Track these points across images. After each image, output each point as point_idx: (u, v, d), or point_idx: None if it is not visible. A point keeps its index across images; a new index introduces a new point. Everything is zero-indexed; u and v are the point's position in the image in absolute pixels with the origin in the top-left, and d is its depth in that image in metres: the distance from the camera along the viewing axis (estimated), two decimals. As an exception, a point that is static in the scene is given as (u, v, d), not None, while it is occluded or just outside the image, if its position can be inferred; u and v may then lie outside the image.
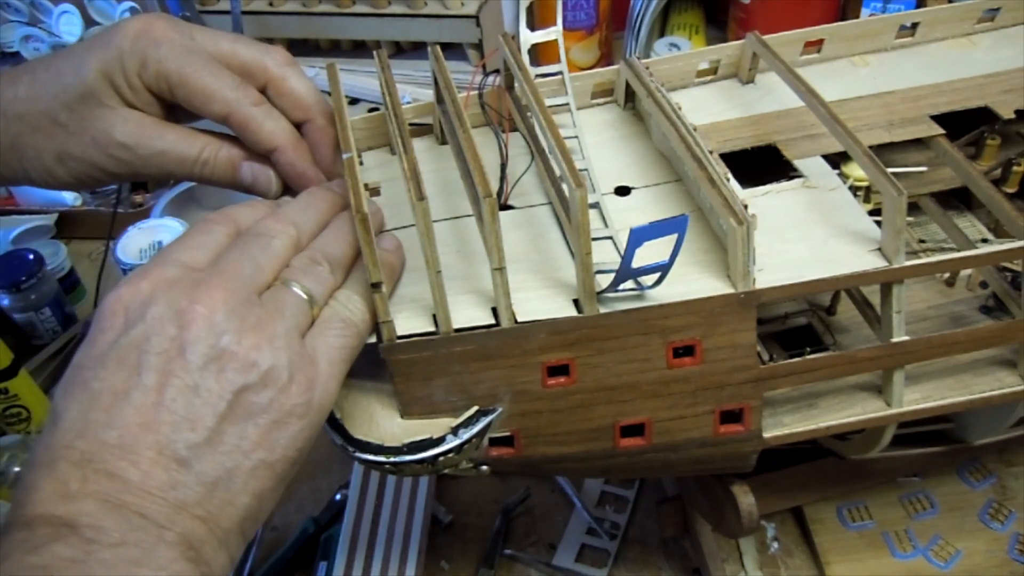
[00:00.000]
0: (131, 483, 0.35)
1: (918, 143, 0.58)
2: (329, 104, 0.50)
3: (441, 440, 0.45)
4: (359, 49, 1.08)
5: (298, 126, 0.50)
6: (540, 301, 0.45)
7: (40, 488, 0.34)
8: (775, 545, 0.67)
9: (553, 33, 0.58)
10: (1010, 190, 0.59)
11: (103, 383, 0.36)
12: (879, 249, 0.46)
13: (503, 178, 0.53)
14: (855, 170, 0.54)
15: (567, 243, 0.49)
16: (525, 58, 0.55)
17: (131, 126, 0.48)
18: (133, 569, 0.33)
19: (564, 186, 0.44)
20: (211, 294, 0.37)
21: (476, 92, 0.56)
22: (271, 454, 0.37)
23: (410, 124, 0.54)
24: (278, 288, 0.40)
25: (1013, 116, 0.58)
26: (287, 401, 0.38)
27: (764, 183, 0.52)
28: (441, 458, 0.45)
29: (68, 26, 1.07)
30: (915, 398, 0.51)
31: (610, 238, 0.49)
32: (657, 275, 0.43)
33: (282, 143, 0.48)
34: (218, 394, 0.36)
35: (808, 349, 0.51)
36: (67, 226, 1.00)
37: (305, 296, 0.41)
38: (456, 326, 0.43)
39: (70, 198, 0.99)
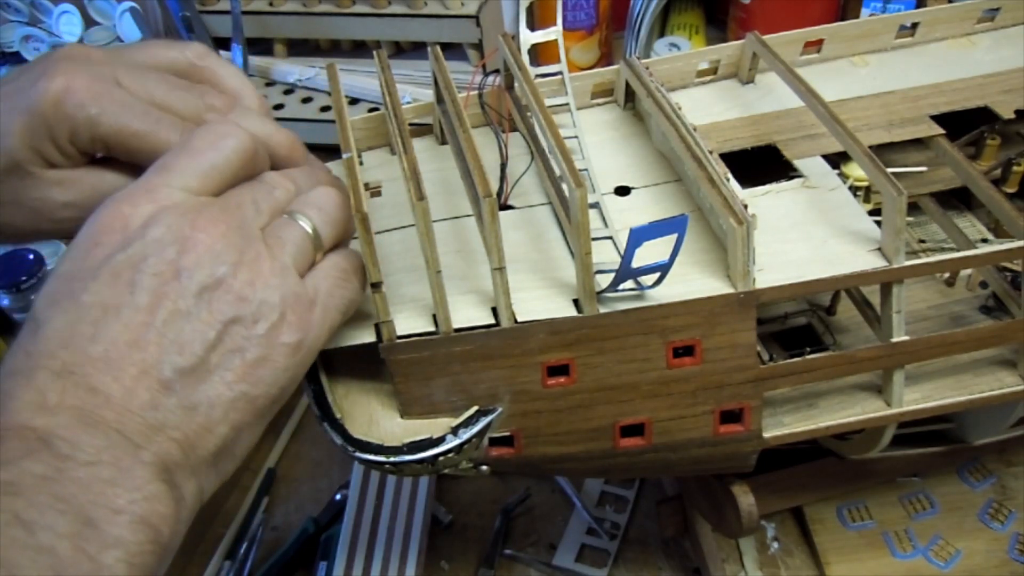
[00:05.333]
0: (112, 399, 0.34)
1: (918, 143, 0.58)
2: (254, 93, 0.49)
3: (441, 440, 0.45)
4: (359, 49, 1.08)
5: None
6: (540, 301, 0.45)
7: (17, 397, 0.34)
8: (775, 545, 0.67)
9: (553, 33, 0.58)
10: (1010, 190, 0.59)
11: (94, 296, 0.35)
12: (879, 249, 0.46)
13: (503, 178, 0.53)
14: (855, 170, 0.54)
15: (567, 243, 0.49)
16: (525, 58, 0.55)
17: (67, 185, 0.45)
18: (107, 488, 0.33)
19: (564, 186, 0.44)
20: (214, 224, 0.37)
21: (476, 92, 0.56)
22: (254, 388, 0.37)
23: (410, 124, 0.54)
24: (285, 221, 0.40)
25: (1013, 116, 0.57)
26: (276, 339, 0.38)
27: (764, 183, 0.52)
28: (441, 458, 0.45)
29: (68, 26, 1.07)
30: (915, 398, 0.51)
31: (610, 238, 0.49)
32: (657, 275, 0.43)
33: None
34: (208, 323, 0.36)
35: (808, 349, 0.51)
36: (67, 226, 1.00)
37: (311, 231, 0.40)
38: (456, 326, 0.43)
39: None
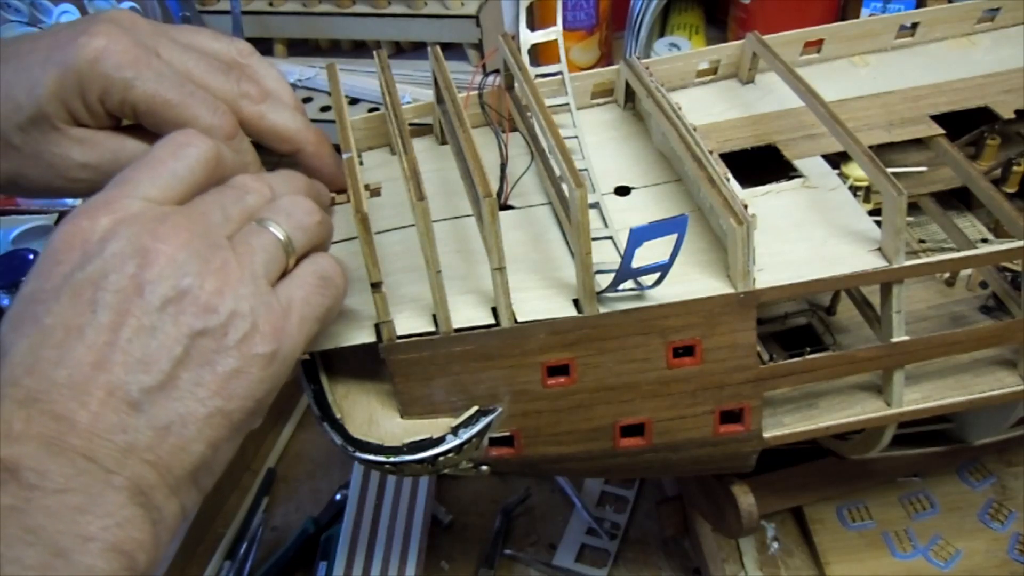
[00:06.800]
0: (79, 425, 0.33)
1: (918, 143, 0.58)
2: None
3: (441, 440, 0.45)
4: (359, 49, 1.08)
5: None
6: (540, 301, 0.45)
7: None
8: (775, 545, 0.67)
9: (553, 33, 0.58)
10: (1010, 190, 0.59)
11: (55, 318, 0.34)
12: (879, 249, 0.46)
13: (503, 178, 0.53)
14: (855, 170, 0.54)
15: (567, 243, 0.49)
16: (525, 58, 0.55)
17: (89, 146, 0.45)
18: (77, 516, 0.32)
19: (564, 186, 0.44)
20: (176, 233, 0.36)
21: (476, 92, 0.56)
22: (229, 402, 0.36)
23: (410, 124, 0.54)
24: (253, 228, 0.39)
25: (1013, 116, 0.57)
26: (248, 350, 0.36)
27: (764, 183, 0.52)
28: (441, 458, 0.45)
29: (68, 26, 1.07)
30: (915, 398, 0.51)
31: (610, 238, 0.49)
32: (657, 275, 0.43)
33: (256, 167, 0.47)
34: (175, 337, 0.35)
35: (808, 349, 0.51)
36: (67, 226, 1.00)
37: (282, 238, 0.39)
38: (456, 326, 0.43)
39: (70, 198, 0.99)
